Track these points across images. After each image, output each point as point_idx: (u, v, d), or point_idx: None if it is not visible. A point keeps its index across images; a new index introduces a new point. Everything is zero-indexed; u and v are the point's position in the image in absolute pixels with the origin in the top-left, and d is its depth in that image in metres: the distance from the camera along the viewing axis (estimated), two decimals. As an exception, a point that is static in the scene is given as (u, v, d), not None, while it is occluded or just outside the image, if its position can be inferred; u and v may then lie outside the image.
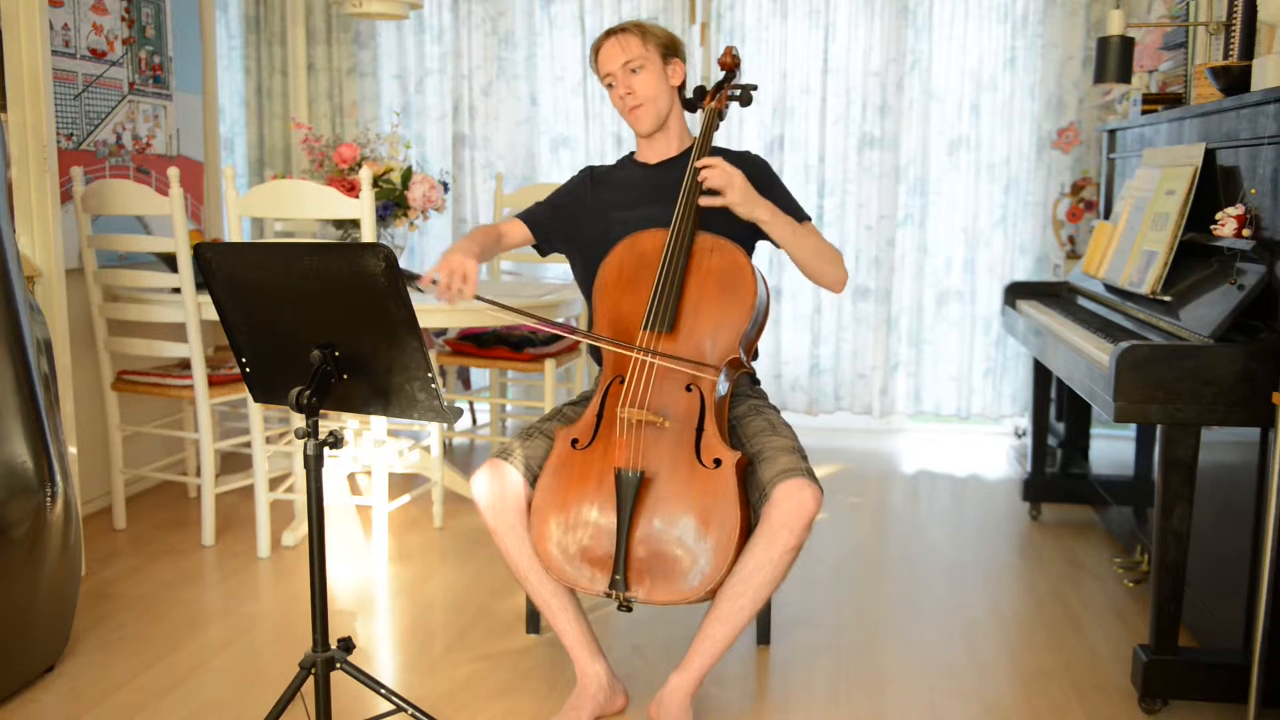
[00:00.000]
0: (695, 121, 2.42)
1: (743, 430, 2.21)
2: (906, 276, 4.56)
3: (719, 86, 2.40)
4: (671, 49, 2.36)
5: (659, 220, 2.25)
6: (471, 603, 2.81)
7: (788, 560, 2.01)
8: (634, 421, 2.06)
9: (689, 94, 2.43)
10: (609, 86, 2.36)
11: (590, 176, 2.48)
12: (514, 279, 4.41)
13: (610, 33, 2.34)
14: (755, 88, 2.43)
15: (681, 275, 2.16)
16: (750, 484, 2.08)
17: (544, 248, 2.47)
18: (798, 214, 2.34)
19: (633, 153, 2.50)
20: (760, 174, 2.31)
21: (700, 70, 4.43)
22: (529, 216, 2.44)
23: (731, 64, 2.40)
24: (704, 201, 2.17)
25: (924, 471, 4.15)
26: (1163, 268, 2.49)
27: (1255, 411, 2.08)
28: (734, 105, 2.45)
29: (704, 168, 2.15)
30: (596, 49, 2.36)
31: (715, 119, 2.34)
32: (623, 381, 2.13)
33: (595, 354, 2.37)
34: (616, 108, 2.38)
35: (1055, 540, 3.33)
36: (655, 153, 2.42)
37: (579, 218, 2.43)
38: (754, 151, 2.40)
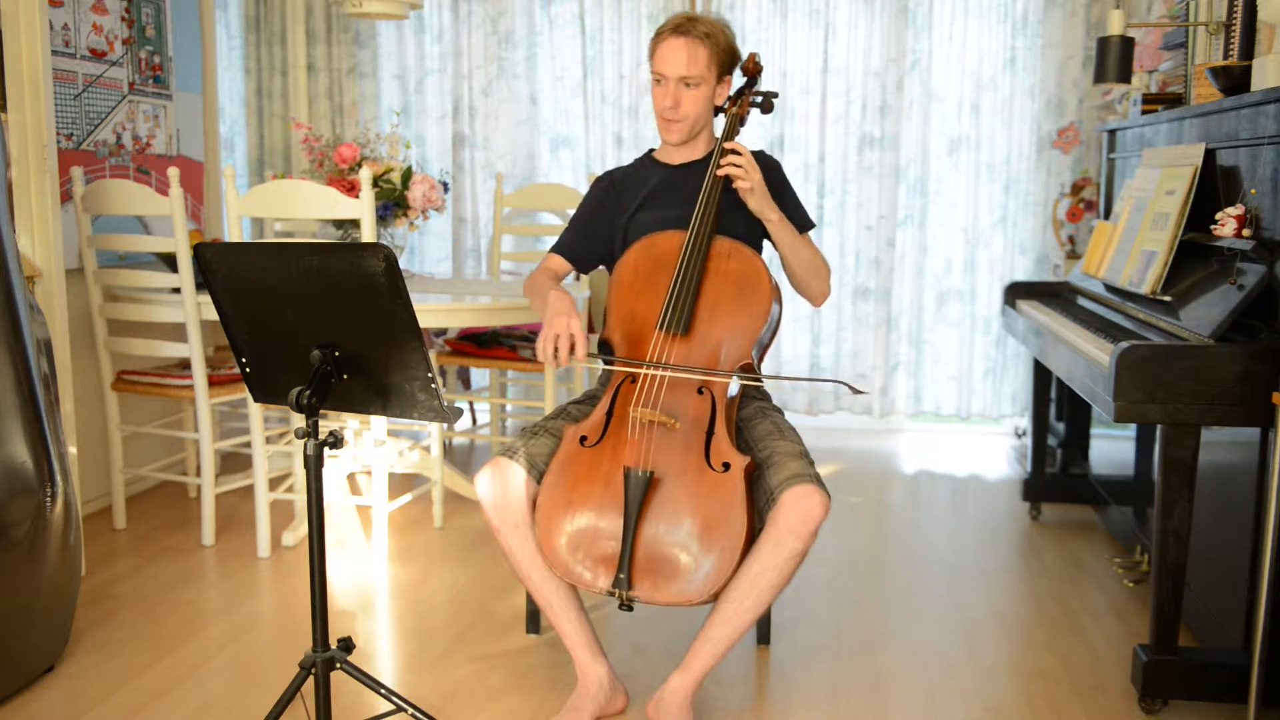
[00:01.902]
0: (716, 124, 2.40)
1: (749, 433, 2.21)
2: (906, 276, 4.56)
3: (740, 93, 2.39)
4: (727, 68, 2.31)
5: (679, 221, 2.25)
6: (471, 603, 2.81)
7: (793, 565, 2.01)
8: (645, 421, 2.06)
9: None
10: (656, 82, 2.28)
11: (610, 183, 2.45)
12: (514, 279, 4.41)
13: (682, 30, 2.23)
14: (776, 95, 2.42)
15: (698, 278, 2.16)
16: (757, 488, 2.07)
17: (584, 270, 2.48)
18: (803, 221, 2.36)
19: (651, 151, 2.47)
20: (773, 175, 2.32)
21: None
22: (564, 250, 2.42)
23: (754, 70, 2.40)
24: (727, 172, 2.16)
25: (924, 471, 4.15)
26: (1163, 268, 2.49)
27: (1255, 411, 2.08)
28: (755, 111, 2.44)
29: (732, 150, 2.17)
30: (660, 38, 2.25)
31: (737, 124, 2.34)
32: (634, 381, 2.12)
33: (605, 352, 2.36)
34: (654, 103, 2.30)
35: (1055, 540, 3.33)
36: (679, 155, 2.40)
37: (608, 230, 2.42)
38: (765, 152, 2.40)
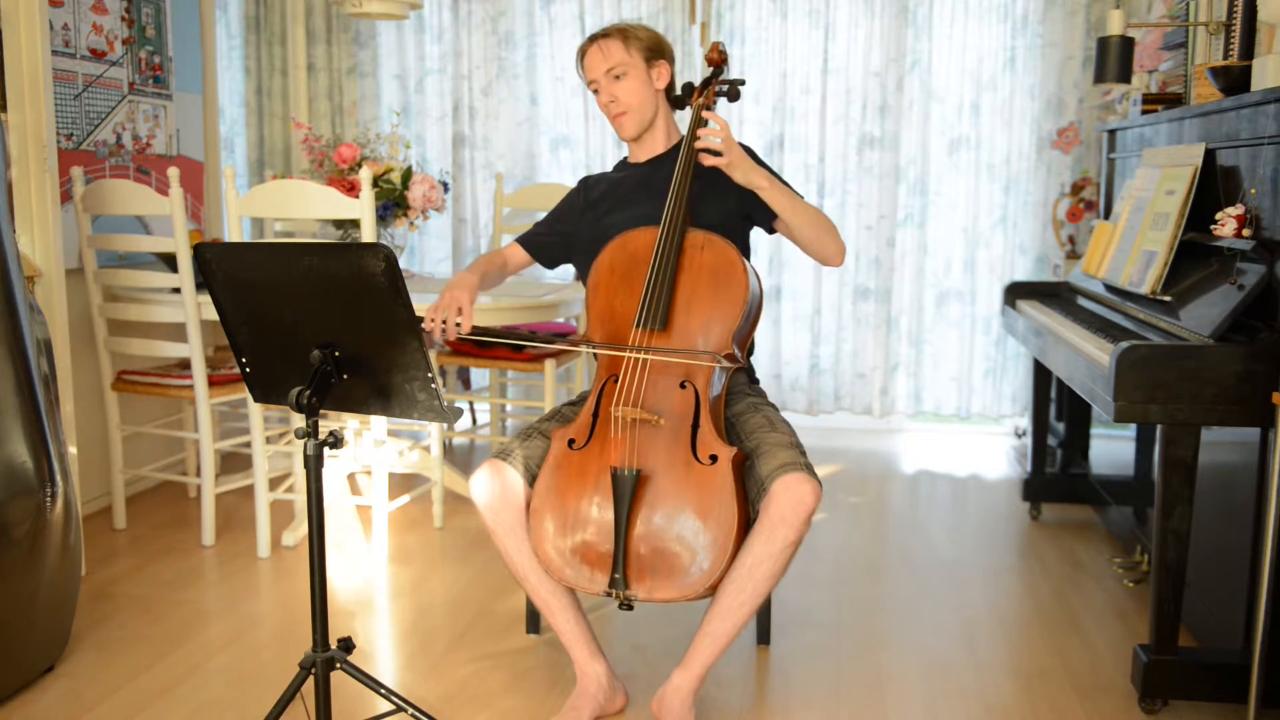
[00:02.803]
0: (683, 120, 2.42)
1: (741, 427, 2.21)
2: (906, 276, 4.56)
3: (706, 82, 2.38)
4: (656, 51, 2.38)
5: (650, 218, 2.26)
6: (471, 603, 2.81)
7: (788, 555, 2.01)
8: (628, 420, 2.06)
9: (677, 92, 2.43)
10: (595, 92, 2.39)
11: (584, 186, 2.52)
12: (514, 279, 4.41)
13: (593, 38, 2.37)
14: (743, 82, 2.43)
15: (673, 272, 2.16)
16: (749, 479, 2.08)
17: (548, 265, 2.54)
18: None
19: (626, 157, 2.53)
20: (750, 155, 2.32)
21: (700, 72, 4.43)
22: (527, 241, 2.51)
23: (719, 59, 2.39)
24: (706, 161, 2.17)
25: (924, 471, 4.15)
26: (1163, 268, 2.49)
27: (1255, 411, 2.08)
28: (723, 101, 2.44)
29: (705, 133, 2.18)
30: (581, 54, 2.39)
31: (703, 114, 2.33)
32: (617, 380, 2.13)
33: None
34: (602, 112, 2.41)
35: (1055, 540, 3.33)
36: (644, 151, 2.45)
37: (575, 231, 2.47)
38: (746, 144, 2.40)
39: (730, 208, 2.32)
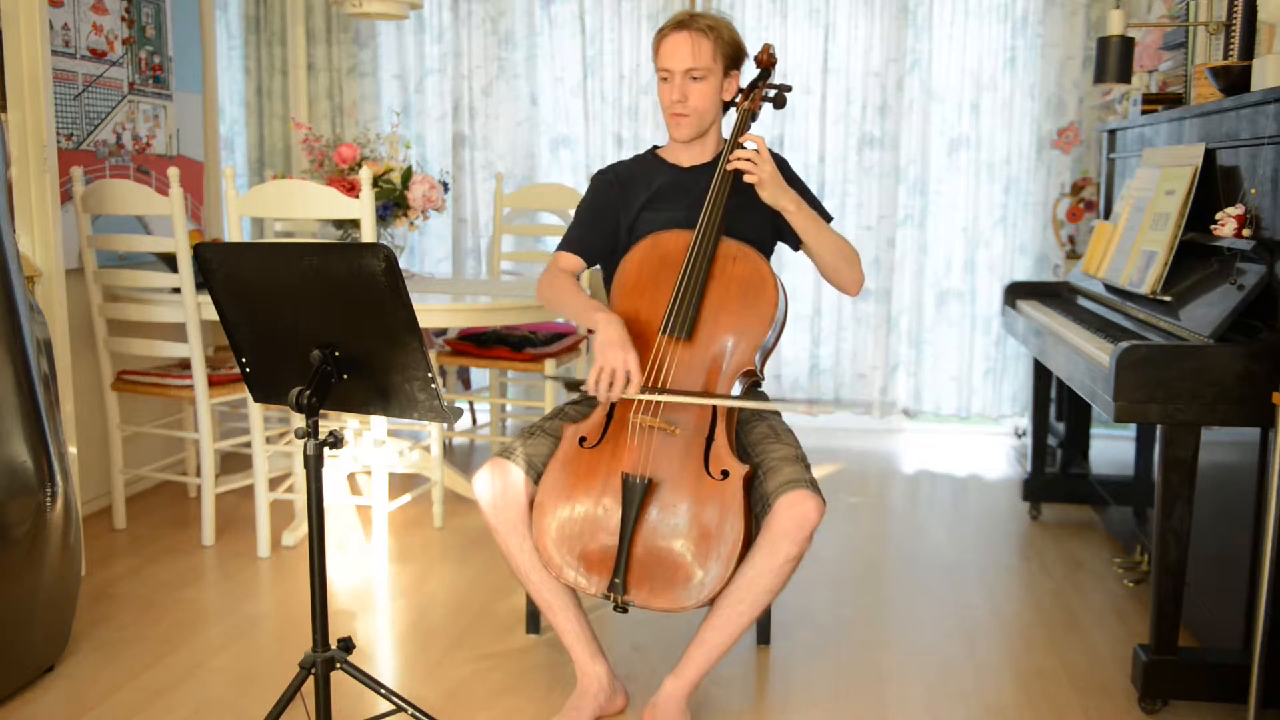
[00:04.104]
0: (727, 122, 2.36)
1: (745, 436, 2.20)
2: (906, 276, 4.57)
3: (754, 86, 2.34)
4: (735, 61, 2.27)
5: (687, 224, 2.22)
6: (471, 603, 2.81)
7: (788, 570, 2.01)
8: (645, 427, 2.05)
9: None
10: (663, 79, 2.25)
11: (615, 177, 2.39)
12: (514, 279, 4.41)
13: (683, 25, 2.21)
14: (790, 89, 2.38)
15: (703, 281, 2.14)
16: (753, 493, 2.07)
17: (589, 263, 2.39)
18: (820, 212, 2.31)
19: (654, 149, 2.42)
20: (784, 170, 2.29)
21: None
22: (574, 246, 2.34)
23: (768, 62, 2.34)
24: (731, 166, 2.14)
25: (924, 471, 4.15)
26: (1163, 268, 2.49)
27: (1255, 411, 2.08)
28: (767, 107, 2.39)
29: (740, 146, 2.14)
30: (662, 37, 2.23)
31: (748, 120, 2.30)
32: None
33: None
34: (661, 101, 2.28)
35: (1055, 540, 3.33)
36: (688, 156, 2.35)
37: (613, 224, 2.35)
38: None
39: (761, 223, 2.28)
